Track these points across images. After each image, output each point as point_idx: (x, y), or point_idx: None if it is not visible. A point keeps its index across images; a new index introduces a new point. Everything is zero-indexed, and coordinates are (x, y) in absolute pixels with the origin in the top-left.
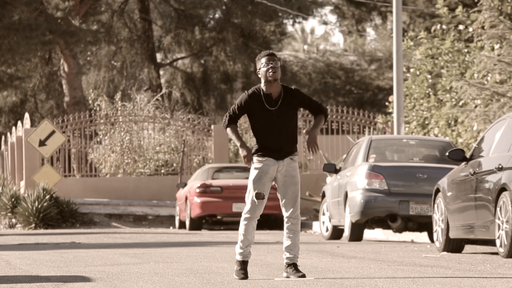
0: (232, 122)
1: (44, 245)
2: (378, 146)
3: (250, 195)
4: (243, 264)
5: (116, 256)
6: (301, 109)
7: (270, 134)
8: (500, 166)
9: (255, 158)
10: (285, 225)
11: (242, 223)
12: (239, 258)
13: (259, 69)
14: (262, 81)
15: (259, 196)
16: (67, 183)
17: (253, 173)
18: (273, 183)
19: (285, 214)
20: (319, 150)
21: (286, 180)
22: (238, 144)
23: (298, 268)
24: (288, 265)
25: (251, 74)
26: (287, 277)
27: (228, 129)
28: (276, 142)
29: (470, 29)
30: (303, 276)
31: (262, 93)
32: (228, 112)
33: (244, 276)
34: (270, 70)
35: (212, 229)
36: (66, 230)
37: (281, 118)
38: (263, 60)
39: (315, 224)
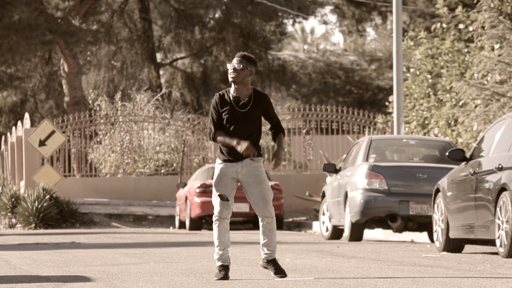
0: (216, 131)
1: (44, 245)
2: (378, 146)
3: (215, 197)
4: (223, 267)
5: (116, 256)
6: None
7: (233, 133)
8: (500, 166)
9: (217, 160)
10: (260, 224)
11: (214, 227)
12: (218, 263)
13: None
14: None
15: (222, 197)
16: (67, 183)
17: (214, 175)
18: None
19: (258, 214)
20: (319, 150)
21: (249, 181)
22: (234, 142)
23: (278, 265)
24: (268, 261)
25: None
26: (265, 268)
27: (218, 138)
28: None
29: (470, 28)
30: (284, 276)
31: (230, 94)
32: (209, 125)
33: (224, 276)
34: (230, 72)
35: (212, 229)
36: (66, 230)
37: (246, 120)
38: (233, 61)
39: (315, 224)
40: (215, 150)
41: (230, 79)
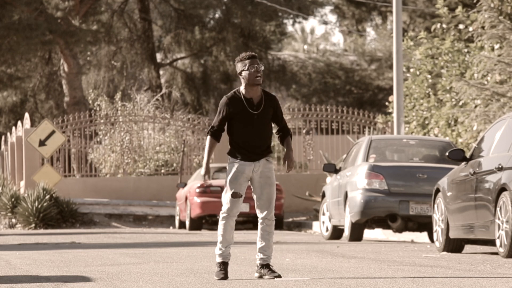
0: (216, 134)
1: (44, 245)
2: (378, 146)
3: (226, 194)
4: (223, 265)
5: (116, 256)
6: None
7: (248, 136)
8: (500, 166)
9: (231, 159)
10: (260, 226)
11: (220, 223)
12: (218, 259)
13: (241, 71)
14: (244, 84)
15: (235, 195)
16: (67, 183)
17: (229, 173)
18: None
19: (260, 215)
20: (319, 150)
21: (261, 181)
22: (205, 160)
23: (272, 268)
24: (262, 265)
25: None
26: (260, 277)
27: (209, 138)
28: (254, 144)
29: (470, 29)
30: (279, 276)
31: (242, 96)
32: (213, 123)
33: (224, 276)
34: (256, 75)
35: (212, 229)
36: (66, 230)
37: (261, 121)
38: (247, 62)
39: (315, 224)
40: (215, 150)
41: (254, 82)
